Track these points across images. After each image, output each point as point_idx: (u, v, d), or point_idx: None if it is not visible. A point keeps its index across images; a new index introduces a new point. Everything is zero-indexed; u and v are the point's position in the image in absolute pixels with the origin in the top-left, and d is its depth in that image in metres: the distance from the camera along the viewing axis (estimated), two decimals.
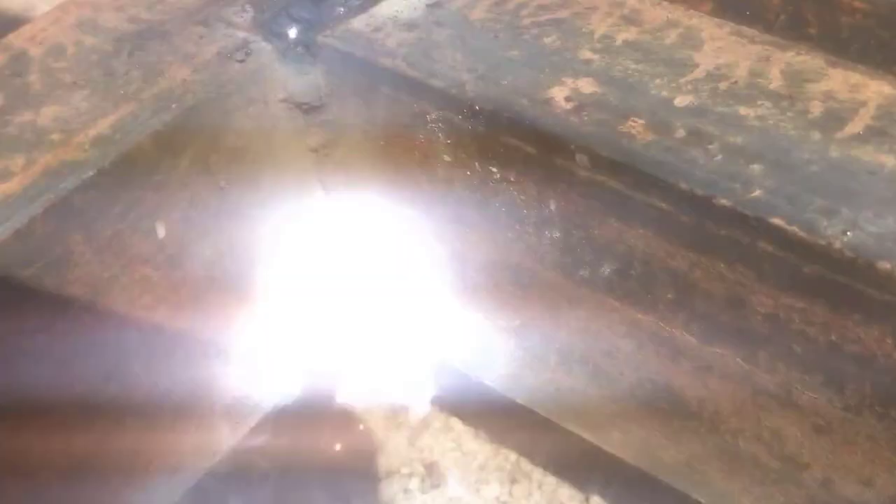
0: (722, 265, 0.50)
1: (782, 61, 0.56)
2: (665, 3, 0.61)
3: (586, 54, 0.57)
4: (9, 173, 0.52)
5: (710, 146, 0.51)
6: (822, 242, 0.45)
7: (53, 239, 0.52)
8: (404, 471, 0.92)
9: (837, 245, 0.45)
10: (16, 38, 0.61)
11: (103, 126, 0.54)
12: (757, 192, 0.48)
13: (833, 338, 0.48)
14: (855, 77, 0.54)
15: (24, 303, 0.52)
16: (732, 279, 0.50)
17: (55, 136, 0.54)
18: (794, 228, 0.46)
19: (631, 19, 0.60)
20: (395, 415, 0.95)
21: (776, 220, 0.46)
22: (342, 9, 0.61)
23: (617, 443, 0.69)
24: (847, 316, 0.47)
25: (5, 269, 0.50)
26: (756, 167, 0.49)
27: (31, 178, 0.52)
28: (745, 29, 0.59)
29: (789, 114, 0.52)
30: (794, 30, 0.67)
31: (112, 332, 0.58)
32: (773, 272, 0.48)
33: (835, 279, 0.46)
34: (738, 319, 0.52)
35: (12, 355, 0.52)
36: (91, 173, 0.52)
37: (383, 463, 0.92)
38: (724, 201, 0.48)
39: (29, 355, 0.53)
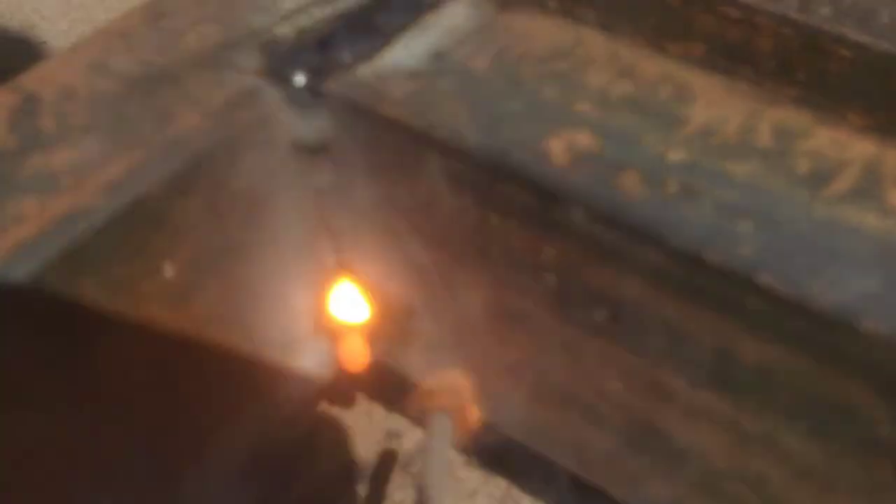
0: (711, 317, 0.52)
1: (772, 118, 0.58)
2: (659, 58, 0.63)
3: (583, 107, 0.59)
4: (23, 218, 0.53)
5: (700, 202, 0.53)
6: (807, 301, 0.47)
7: (65, 282, 0.54)
8: (397, 497, 0.93)
9: (821, 305, 0.47)
10: (28, 79, 0.62)
11: (115, 172, 0.56)
12: (745, 250, 0.50)
13: (817, 390, 0.50)
14: (841, 135, 0.56)
15: (35, 344, 0.54)
16: (721, 331, 0.52)
17: (67, 181, 0.56)
18: (780, 286, 0.48)
19: (626, 73, 0.62)
20: (388, 440, 0.97)
21: (763, 278, 0.48)
22: (348, 57, 0.63)
23: (606, 478, 0.71)
24: (831, 371, 0.49)
25: (19, 311, 0.52)
26: (744, 224, 0.51)
27: (45, 223, 0.53)
28: (736, 84, 0.61)
29: (777, 171, 0.54)
30: (782, 75, 0.70)
31: (120, 367, 0.59)
32: (760, 326, 0.50)
33: (819, 336, 0.48)
34: (726, 368, 0.54)
35: (25, 393, 0.54)
36: (103, 218, 0.54)
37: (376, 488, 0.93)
38: (713, 258, 0.50)
39: (36, 394, 0.55)
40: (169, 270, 0.59)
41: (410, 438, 0.98)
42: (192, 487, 0.71)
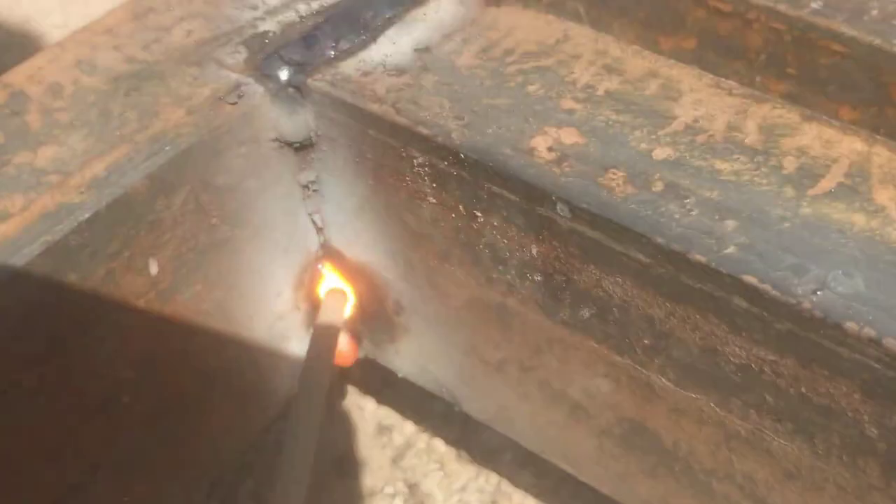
0: (696, 316, 0.52)
1: (759, 115, 0.58)
2: (647, 53, 0.63)
3: (569, 104, 0.59)
4: (7, 214, 0.53)
5: (686, 200, 0.52)
6: (793, 301, 0.47)
7: (49, 278, 0.53)
8: (388, 490, 0.93)
9: (807, 305, 0.47)
10: (15, 76, 0.62)
11: (99, 168, 0.56)
12: (731, 249, 0.49)
13: (803, 390, 0.50)
14: (828, 132, 0.56)
15: (20, 339, 0.54)
16: (706, 329, 0.52)
17: (53, 178, 0.55)
18: (765, 286, 0.48)
19: (613, 68, 0.61)
20: (380, 434, 0.97)
21: (748, 278, 0.48)
22: (332, 52, 0.63)
23: (595, 476, 0.71)
24: (816, 371, 0.48)
25: (2, 307, 0.52)
26: (730, 223, 0.51)
27: (30, 220, 0.53)
28: (724, 81, 0.61)
29: (764, 169, 0.54)
30: (773, 69, 0.69)
31: (105, 365, 0.59)
32: (746, 326, 0.50)
33: (805, 336, 0.48)
34: (712, 367, 0.54)
35: (6, 390, 0.54)
36: (87, 215, 0.53)
37: (367, 482, 0.93)
38: (698, 257, 0.50)
39: (23, 389, 0.55)
40: (154, 266, 0.59)
41: (402, 432, 0.98)
42: (179, 481, 0.71)
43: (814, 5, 0.62)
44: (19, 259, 0.52)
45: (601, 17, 0.75)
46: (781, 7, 0.60)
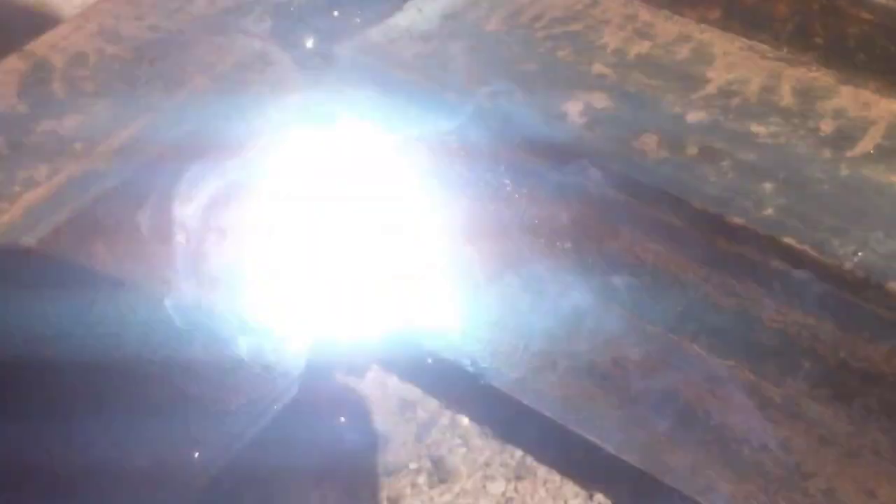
0: (732, 280, 0.51)
1: (793, 78, 0.57)
2: (677, 18, 0.62)
3: (599, 68, 0.58)
4: (34, 182, 0.53)
5: (721, 163, 0.52)
6: (834, 262, 0.46)
7: (76, 246, 0.53)
8: (412, 466, 0.93)
9: (848, 265, 0.46)
10: (38, 46, 0.61)
11: (125, 136, 0.55)
12: (769, 211, 0.49)
13: (841, 355, 0.49)
14: (865, 95, 0.55)
15: (49, 305, 0.53)
16: (743, 294, 0.51)
17: (78, 146, 0.55)
18: (805, 248, 0.47)
19: (643, 33, 0.61)
20: (404, 410, 0.97)
21: (788, 240, 0.47)
22: (359, 19, 0.62)
23: (623, 446, 0.70)
24: (856, 334, 0.48)
25: (31, 276, 0.51)
26: (768, 185, 0.50)
27: (56, 187, 0.53)
28: (757, 45, 0.60)
29: (800, 131, 0.53)
30: (800, 39, 0.68)
31: (134, 328, 0.59)
32: (784, 289, 0.49)
33: (845, 298, 0.47)
34: (747, 333, 0.53)
35: (37, 352, 0.53)
36: (113, 183, 0.53)
37: (391, 458, 0.93)
38: (736, 219, 0.49)
39: (53, 348, 0.54)
40: (181, 236, 0.59)
41: (425, 408, 0.97)
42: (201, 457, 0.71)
43: None
44: (46, 226, 0.51)
45: None
46: None
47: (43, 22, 1.31)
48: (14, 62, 0.61)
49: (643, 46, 0.59)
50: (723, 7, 0.68)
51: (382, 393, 0.99)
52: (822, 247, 0.47)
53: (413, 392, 0.98)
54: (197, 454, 0.66)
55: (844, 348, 0.49)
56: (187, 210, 0.59)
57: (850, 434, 0.52)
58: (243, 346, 0.68)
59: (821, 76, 0.56)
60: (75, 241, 0.53)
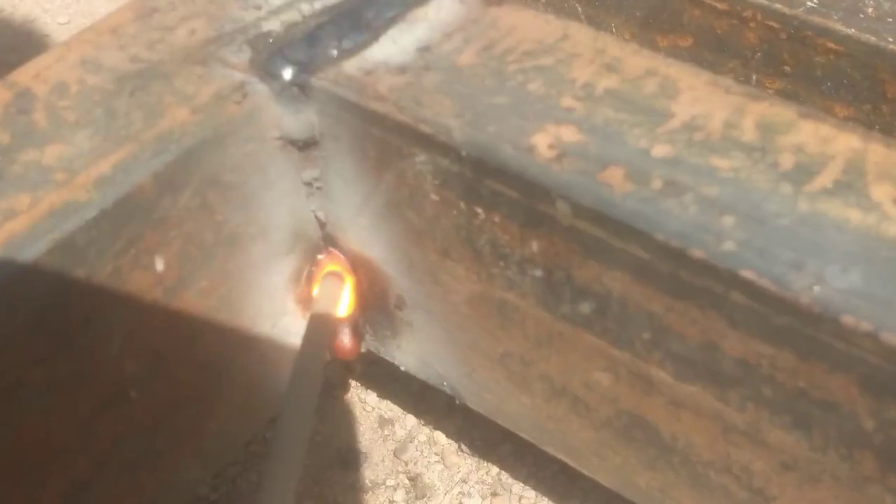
0: (695, 311, 0.53)
1: (756, 112, 0.58)
2: (645, 52, 0.64)
3: (569, 102, 0.60)
4: (14, 212, 0.54)
5: (684, 197, 0.53)
6: (791, 296, 0.48)
7: (56, 276, 0.54)
8: (389, 482, 0.94)
9: (805, 300, 0.47)
10: (21, 75, 0.63)
11: (105, 167, 0.56)
12: (729, 245, 0.50)
13: (800, 384, 0.51)
14: (825, 129, 0.57)
15: (28, 337, 0.54)
16: (705, 324, 0.53)
17: (59, 176, 0.56)
18: (763, 281, 0.48)
19: (612, 67, 0.62)
20: (381, 427, 0.98)
21: (746, 273, 0.49)
22: (335, 51, 0.63)
23: (594, 467, 0.72)
24: (814, 365, 0.49)
25: (8, 306, 0.52)
26: (728, 219, 0.52)
27: (37, 218, 0.54)
28: (721, 78, 0.61)
29: (761, 166, 0.55)
30: (768, 68, 0.70)
31: (113, 361, 0.60)
32: (744, 320, 0.51)
33: (802, 331, 0.48)
34: (711, 361, 0.54)
35: (14, 387, 0.55)
36: (94, 214, 0.54)
37: (369, 475, 0.94)
38: (697, 253, 0.50)
39: (30, 387, 0.56)
40: (160, 263, 0.60)
41: (403, 425, 0.98)
42: (185, 475, 0.72)
43: (809, 4, 0.63)
44: (26, 256, 0.53)
45: (598, 15, 0.76)
46: (777, 6, 0.61)
47: (28, 42, 1.32)
48: None
49: (611, 80, 0.61)
50: (694, 35, 0.70)
51: (361, 409, 1.00)
52: (780, 281, 0.48)
53: (392, 409, 1.00)
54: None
55: (803, 378, 0.50)
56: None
57: (811, 460, 0.54)
58: None
59: (782, 111, 0.58)
60: (56, 270, 0.54)
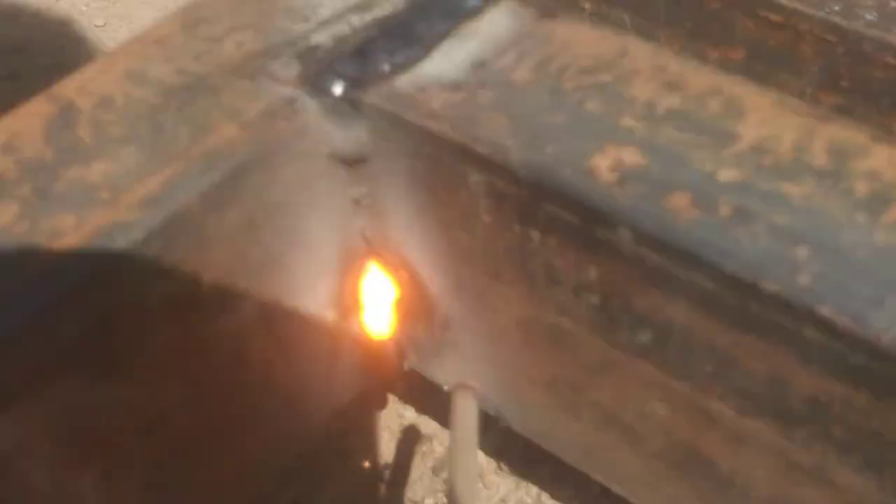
0: (764, 346, 0.50)
1: (826, 135, 0.56)
2: (707, 69, 0.61)
3: (629, 122, 0.58)
4: (59, 233, 0.53)
5: (755, 226, 0.51)
6: (870, 335, 0.45)
7: (101, 299, 0.53)
8: (428, 501, 0.93)
9: (885, 340, 0.45)
10: (64, 88, 0.61)
11: (152, 185, 0.55)
12: (804, 278, 0.48)
13: (874, 425, 0.48)
14: None
15: (73, 362, 0.53)
16: (774, 360, 0.51)
17: (105, 195, 0.55)
18: (842, 319, 0.46)
19: (673, 85, 0.60)
20: (420, 446, 0.96)
21: (824, 309, 0.47)
22: (387, 66, 0.62)
23: (643, 497, 0.70)
24: (890, 406, 0.47)
25: (50, 330, 0.51)
26: (802, 250, 0.49)
27: (82, 238, 0.52)
28: (788, 99, 0.59)
29: (834, 193, 0.52)
30: (825, 82, 0.68)
31: (157, 385, 0.59)
32: (818, 358, 0.48)
33: (879, 371, 0.46)
34: (778, 397, 0.52)
35: (65, 410, 0.53)
36: (141, 234, 0.53)
37: (407, 492, 0.93)
38: (770, 286, 0.48)
39: (75, 412, 0.54)
40: (207, 284, 0.58)
41: (442, 442, 0.97)
42: (222, 497, 0.71)
43: (868, 17, 0.60)
44: (70, 279, 0.51)
45: (646, 25, 0.74)
46: (835, 18, 0.58)
47: (64, 46, 1.31)
48: (41, 105, 0.61)
49: (673, 99, 0.59)
50: (746, 47, 0.68)
51: (399, 425, 0.98)
52: (859, 319, 0.46)
53: (430, 425, 0.98)
54: None
55: (877, 419, 0.48)
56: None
57: (880, 502, 0.52)
58: None
59: (854, 134, 0.56)
60: (102, 293, 0.52)
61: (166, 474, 0.62)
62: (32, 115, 0.59)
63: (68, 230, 0.53)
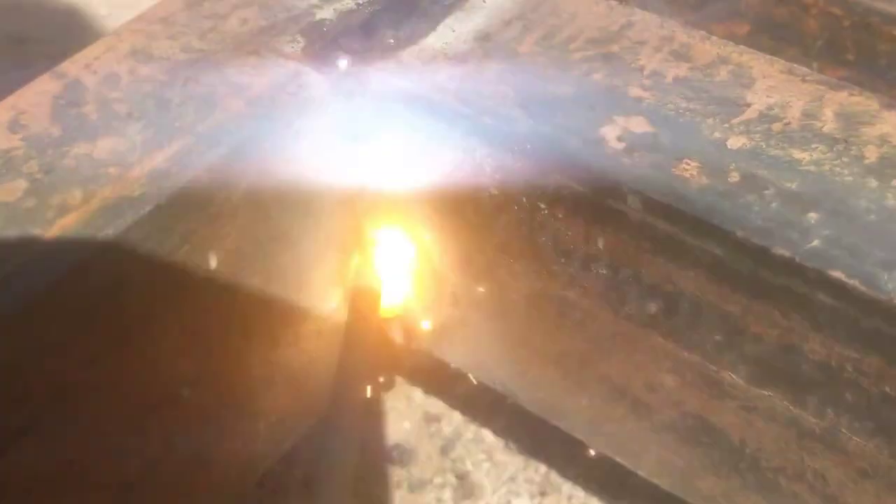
0: (776, 312, 0.50)
1: (835, 102, 0.56)
2: (714, 39, 0.61)
3: (637, 91, 0.57)
4: (67, 208, 0.52)
5: (765, 192, 0.51)
6: (883, 297, 0.45)
7: (109, 273, 0.53)
8: (437, 481, 0.93)
9: None
10: (70, 66, 0.61)
11: (159, 160, 0.55)
12: (815, 243, 0.48)
13: (886, 389, 0.48)
14: None
15: (81, 336, 0.53)
16: (785, 326, 0.50)
17: (112, 170, 0.54)
18: (854, 282, 0.46)
19: (681, 55, 0.60)
20: (428, 425, 0.96)
21: (836, 273, 0.46)
22: (392, 40, 0.61)
23: (653, 470, 0.69)
24: None
25: (60, 305, 0.51)
26: (813, 215, 0.49)
27: (90, 213, 0.52)
28: (797, 67, 0.59)
29: (844, 158, 0.52)
30: (830, 55, 0.67)
31: (166, 357, 0.58)
32: (829, 322, 0.48)
33: (892, 333, 0.46)
34: (788, 364, 0.52)
35: (68, 387, 0.53)
36: (148, 209, 0.53)
37: (416, 472, 0.93)
38: (781, 251, 0.48)
39: (83, 387, 0.54)
40: (213, 260, 0.58)
41: (450, 422, 0.97)
42: (233, 476, 0.71)
43: None
44: (79, 254, 0.51)
45: (650, 1, 0.73)
46: None
47: (69, 32, 1.31)
48: (47, 83, 0.60)
49: (681, 69, 0.59)
50: (751, 22, 0.67)
51: (407, 406, 0.98)
52: (871, 282, 0.46)
53: (437, 405, 0.98)
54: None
55: (889, 383, 0.48)
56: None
57: (892, 468, 0.52)
58: None
59: (864, 100, 0.55)
60: (109, 268, 0.52)
61: (177, 449, 0.62)
62: (39, 93, 0.59)
63: (76, 205, 0.52)
